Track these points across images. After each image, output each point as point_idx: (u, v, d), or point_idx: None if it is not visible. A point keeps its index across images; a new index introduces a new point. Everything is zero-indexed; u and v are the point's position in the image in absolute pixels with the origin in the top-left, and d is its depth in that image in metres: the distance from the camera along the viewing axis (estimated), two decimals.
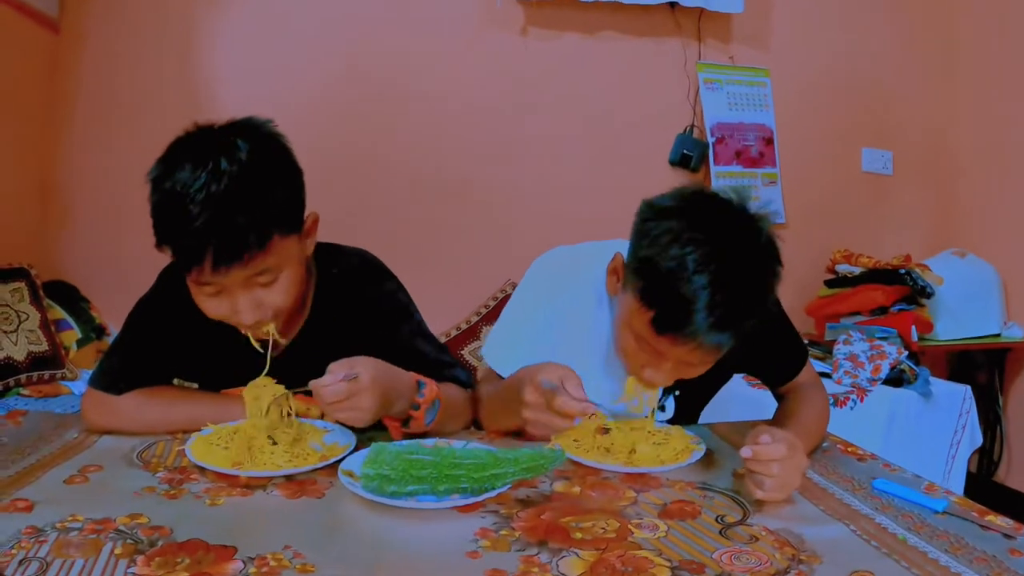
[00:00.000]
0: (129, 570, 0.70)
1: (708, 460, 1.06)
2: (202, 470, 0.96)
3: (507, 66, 2.93)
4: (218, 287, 1.03)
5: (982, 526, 0.86)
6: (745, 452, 0.89)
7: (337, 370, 0.95)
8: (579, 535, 0.79)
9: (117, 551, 0.74)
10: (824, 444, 1.18)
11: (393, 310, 1.25)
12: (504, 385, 1.13)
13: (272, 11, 2.78)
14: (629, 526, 0.82)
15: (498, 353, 1.24)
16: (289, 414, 1.06)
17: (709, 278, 0.93)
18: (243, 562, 0.71)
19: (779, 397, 1.29)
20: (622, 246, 1.13)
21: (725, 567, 0.73)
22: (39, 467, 0.97)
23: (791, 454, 0.89)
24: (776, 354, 1.25)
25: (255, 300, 1.04)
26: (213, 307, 1.06)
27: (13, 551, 0.73)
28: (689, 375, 1.06)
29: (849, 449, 1.16)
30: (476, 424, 1.24)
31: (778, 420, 1.16)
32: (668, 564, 0.73)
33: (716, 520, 0.85)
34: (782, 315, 1.24)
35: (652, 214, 1.02)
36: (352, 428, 1.10)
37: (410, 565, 0.73)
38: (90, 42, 2.69)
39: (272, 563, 0.71)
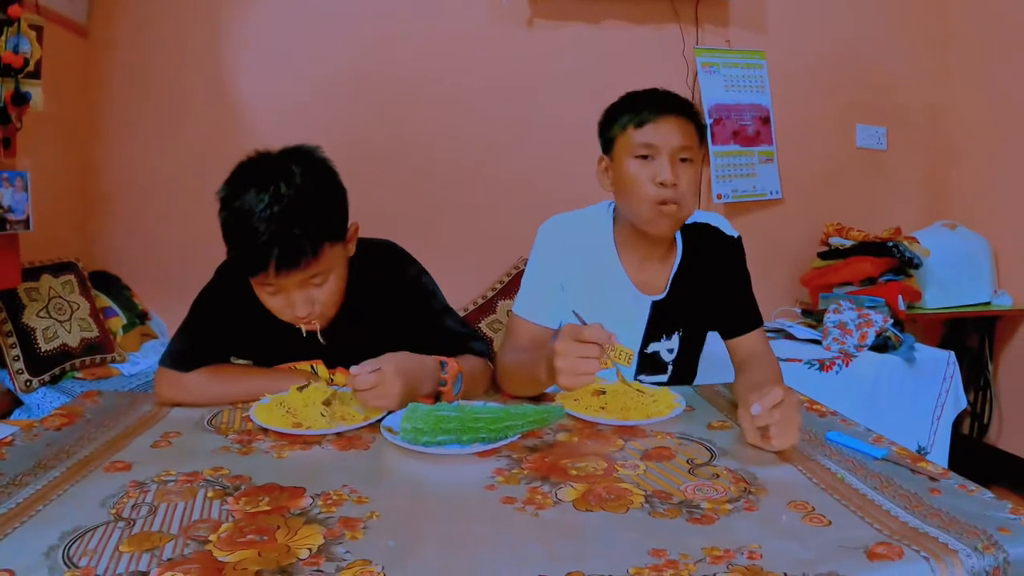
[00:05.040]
0: (224, 507, 0.88)
1: (688, 415, 1.26)
2: (265, 431, 1.16)
3: (515, 55, 3.07)
4: (278, 288, 1.24)
5: (913, 470, 1.01)
6: (755, 409, 1.03)
7: (366, 364, 1.16)
8: (575, 472, 0.99)
9: (210, 495, 0.91)
10: None
11: (418, 292, 1.44)
12: (527, 360, 1.33)
13: (289, 10, 2.94)
14: (615, 466, 1.01)
15: (529, 307, 1.50)
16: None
17: (654, 91, 1.43)
18: (312, 498, 0.91)
19: (738, 365, 1.50)
20: (606, 207, 1.53)
21: (688, 495, 0.92)
22: (124, 436, 1.15)
23: (785, 395, 1.04)
24: (734, 304, 1.52)
25: (307, 297, 1.26)
26: (273, 303, 1.27)
27: (124, 500, 0.90)
28: (685, 173, 1.36)
29: (813, 406, 1.33)
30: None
31: (748, 385, 1.32)
32: (643, 493, 0.92)
33: (687, 462, 1.04)
34: (747, 276, 1.54)
35: (606, 109, 1.47)
36: None
37: (442, 497, 0.93)
38: (119, 45, 2.85)
39: (335, 497, 0.91)
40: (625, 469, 1.00)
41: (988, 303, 3.08)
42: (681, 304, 1.51)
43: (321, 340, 1.31)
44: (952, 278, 3.01)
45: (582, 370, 1.14)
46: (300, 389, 1.22)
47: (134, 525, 0.84)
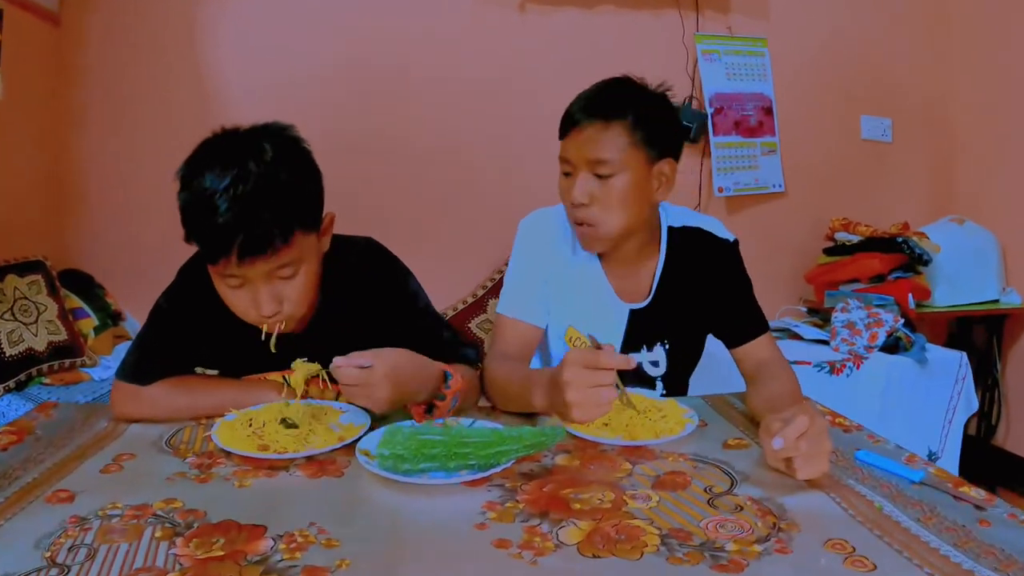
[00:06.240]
0: (171, 552, 0.76)
1: (700, 432, 1.13)
2: (228, 454, 1.03)
3: (506, 43, 2.95)
4: (242, 279, 1.10)
5: (955, 496, 0.90)
6: (777, 444, 0.90)
7: (356, 357, 1.02)
8: (578, 506, 0.86)
9: (157, 534, 0.80)
10: None
11: (402, 295, 1.32)
12: (516, 378, 1.21)
13: None
14: (624, 497, 0.89)
15: (514, 305, 1.38)
16: (325, 382, 1.15)
17: (587, 90, 1.29)
18: (273, 540, 0.78)
19: (748, 377, 1.37)
20: None
21: (710, 535, 0.79)
22: (74, 458, 1.03)
23: (811, 423, 0.91)
24: (733, 310, 1.39)
25: (274, 293, 1.12)
26: (236, 299, 1.13)
27: (61, 539, 0.79)
28: (603, 193, 1.23)
29: (837, 420, 1.22)
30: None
31: (766, 402, 1.20)
32: (658, 532, 0.80)
33: (705, 490, 0.91)
34: (746, 280, 1.41)
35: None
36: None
37: (424, 538, 0.79)
38: (92, 33, 2.72)
39: (299, 539, 0.78)
40: (635, 501, 0.88)
41: (996, 301, 2.98)
42: (665, 314, 1.38)
43: (272, 349, 1.17)
44: (960, 275, 2.91)
45: (598, 401, 1.01)
46: (286, 425, 1.09)
47: (68, 573, 0.72)
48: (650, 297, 1.38)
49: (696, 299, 1.39)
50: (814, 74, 3.20)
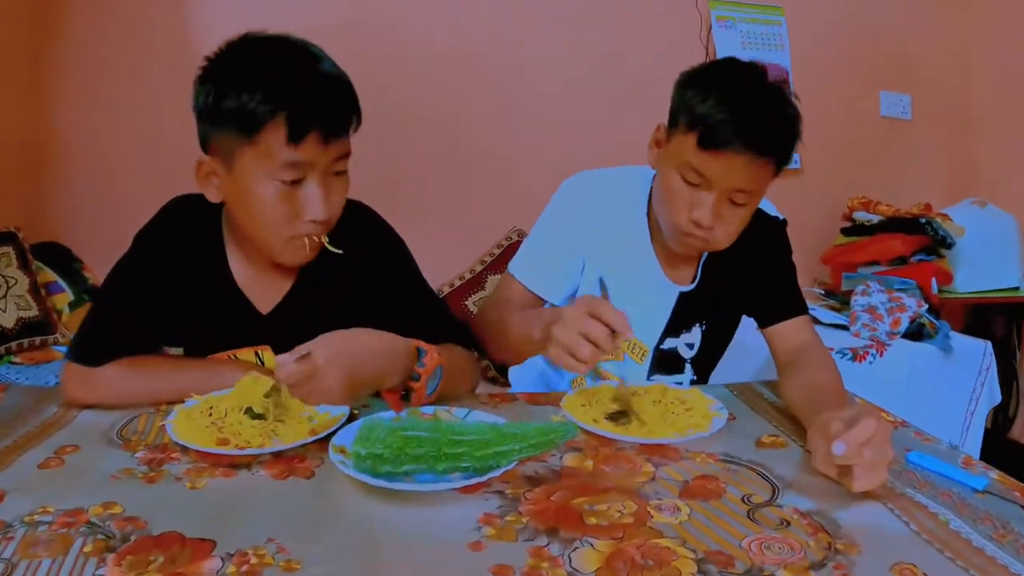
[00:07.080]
0: (98, 572, 0.63)
1: (729, 427, 0.99)
2: (184, 448, 0.89)
3: (510, 10, 2.80)
4: (304, 171, 0.99)
5: None
6: (838, 449, 0.77)
7: (298, 349, 0.86)
8: (593, 520, 0.72)
9: (87, 549, 0.67)
10: None
11: (394, 267, 1.19)
12: (519, 317, 1.14)
13: None
14: (648, 508, 0.75)
15: (528, 270, 1.27)
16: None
17: (743, 99, 1.06)
18: (221, 559, 0.64)
19: (783, 362, 1.23)
20: (645, 174, 1.26)
21: (755, 558, 0.65)
22: (13, 450, 0.90)
23: (876, 426, 0.79)
24: (773, 288, 1.28)
25: (326, 194, 1.01)
26: (280, 205, 1.00)
27: None
28: (731, 216, 1.12)
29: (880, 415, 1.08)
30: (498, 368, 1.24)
31: (806, 394, 1.06)
32: (692, 556, 0.66)
33: (743, 500, 0.77)
34: (790, 262, 1.30)
35: (692, 72, 1.14)
36: None
37: (406, 560, 0.65)
38: None
39: (253, 560, 0.64)
40: (662, 514, 0.73)
41: (1017, 288, 2.84)
42: (709, 294, 1.28)
43: (330, 248, 1.05)
44: (981, 260, 2.77)
45: (575, 349, 0.91)
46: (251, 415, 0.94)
47: None
48: (697, 279, 1.28)
49: (740, 279, 1.28)
50: (832, 46, 3.05)
